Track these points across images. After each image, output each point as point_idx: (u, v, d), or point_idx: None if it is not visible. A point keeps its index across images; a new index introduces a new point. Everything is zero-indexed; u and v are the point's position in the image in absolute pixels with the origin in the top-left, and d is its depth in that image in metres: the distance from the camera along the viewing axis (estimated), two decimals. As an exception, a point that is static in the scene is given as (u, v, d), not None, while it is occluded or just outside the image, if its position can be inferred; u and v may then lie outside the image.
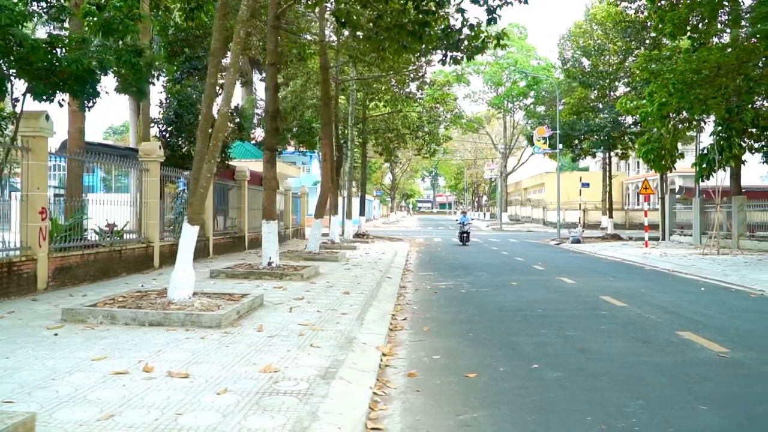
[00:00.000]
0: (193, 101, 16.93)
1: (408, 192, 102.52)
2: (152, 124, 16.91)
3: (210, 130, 8.10)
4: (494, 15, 14.08)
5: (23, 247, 8.96)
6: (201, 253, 15.99)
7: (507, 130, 57.56)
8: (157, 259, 13.12)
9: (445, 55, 15.23)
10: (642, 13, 28.19)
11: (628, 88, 32.27)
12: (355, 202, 31.42)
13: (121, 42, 9.23)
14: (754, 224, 22.85)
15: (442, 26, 14.40)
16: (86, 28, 8.90)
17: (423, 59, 21.63)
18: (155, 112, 16.94)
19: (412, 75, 23.31)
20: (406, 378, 5.49)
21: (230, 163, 19.20)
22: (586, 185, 34.10)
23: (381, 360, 6.03)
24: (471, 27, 14.27)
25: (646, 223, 24.60)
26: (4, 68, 8.44)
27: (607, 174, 35.87)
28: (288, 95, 24.00)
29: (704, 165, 22.01)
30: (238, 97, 31.15)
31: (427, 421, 4.36)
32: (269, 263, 12.42)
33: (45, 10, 8.69)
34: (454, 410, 4.57)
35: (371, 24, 14.30)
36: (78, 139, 12.07)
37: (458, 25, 14.26)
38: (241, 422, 3.92)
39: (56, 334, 6.35)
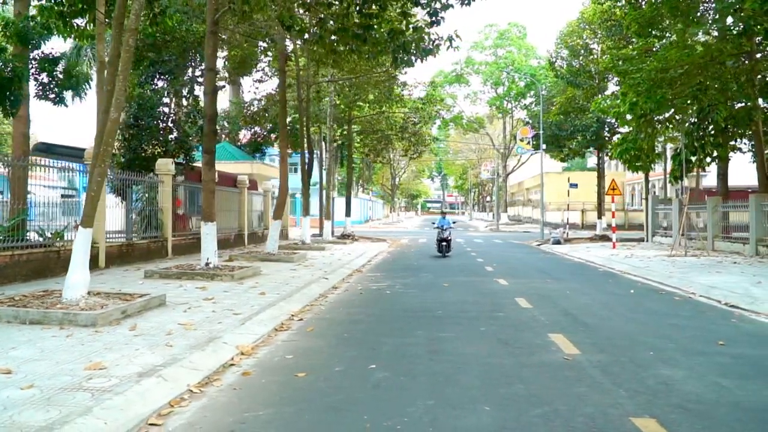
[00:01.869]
0: (153, 104, 17.31)
1: (414, 192, 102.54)
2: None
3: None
4: (436, 18, 14.33)
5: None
6: (159, 253, 16.37)
7: (506, 129, 57.45)
8: (102, 260, 13.47)
9: (395, 58, 15.31)
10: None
11: (618, 88, 32.11)
12: (355, 202, 31.72)
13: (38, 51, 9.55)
14: (734, 225, 22.61)
15: (388, 29, 14.56)
16: (2, 38, 9.22)
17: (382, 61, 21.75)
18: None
19: (384, 76, 23.44)
20: (239, 377, 5.70)
21: (195, 165, 19.53)
22: (574, 186, 34.04)
23: (232, 359, 6.25)
24: (415, 29, 14.48)
25: (613, 224, 24.54)
26: None
27: (601, 174, 35.69)
28: (263, 99, 24.33)
29: (676, 165, 21.92)
30: (224, 99, 31.58)
31: (211, 418, 4.56)
32: (207, 264, 12.70)
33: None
34: (245, 408, 4.78)
35: (316, 28, 14.57)
36: (22, 143, 12.44)
37: (403, 27, 14.50)
38: (14, 416, 4.16)
39: (-70, 332, 6.66)
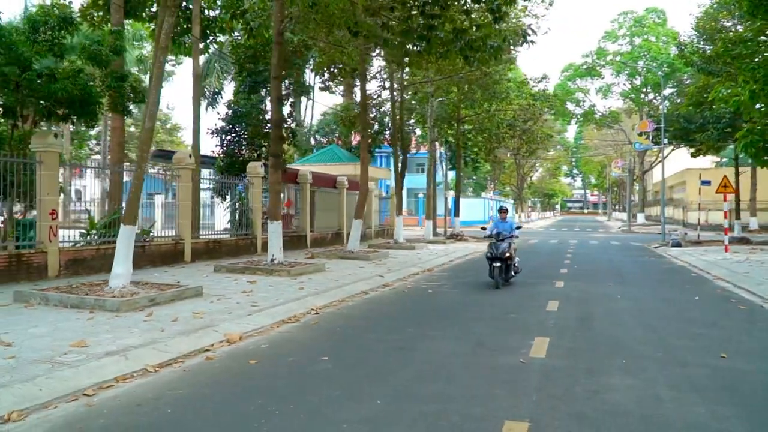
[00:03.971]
0: (247, 112, 18.72)
1: (549, 191, 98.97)
2: (214, 134, 19.01)
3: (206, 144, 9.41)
4: (499, 14, 14.07)
5: (38, 241, 11.02)
6: (248, 250, 17.67)
7: (643, 124, 53.61)
8: (188, 255, 14.90)
9: (466, 57, 15.25)
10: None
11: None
12: (473, 202, 31.83)
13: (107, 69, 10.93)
14: None
15: (452, 28, 14.56)
16: (78, 61, 10.67)
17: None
18: (213, 123, 18.96)
19: (479, 74, 23.13)
20: (201, 360, 6.24)
21: (289, 167, 20.76)
22: (706, 183, 31.03)
23: (212, 345, 6.82)
24: (478, 27, 14.34)
25: (725, 225, 22.12)
26: (17, 95, 10.50)
27: (738, 171, 32.29)
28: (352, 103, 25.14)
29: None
30: (330, 102, 32.95)
31: (139, 393, 5.13)
32: (272, 260, 13.60)
33: (48, 47, 10.58)
34: (174, 387, 5.28)
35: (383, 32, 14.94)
36: (118, 151, 14.16)
37: (466, 26, 14.42)
38: (-25, 379, 5.02)
39: (-9, 311, 8.01)
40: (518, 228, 12.66)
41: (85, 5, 16.05)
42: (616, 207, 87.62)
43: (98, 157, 42.66)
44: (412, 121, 31.86)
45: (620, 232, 45.16)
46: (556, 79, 57.59)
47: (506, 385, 5.24)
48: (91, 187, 14.90)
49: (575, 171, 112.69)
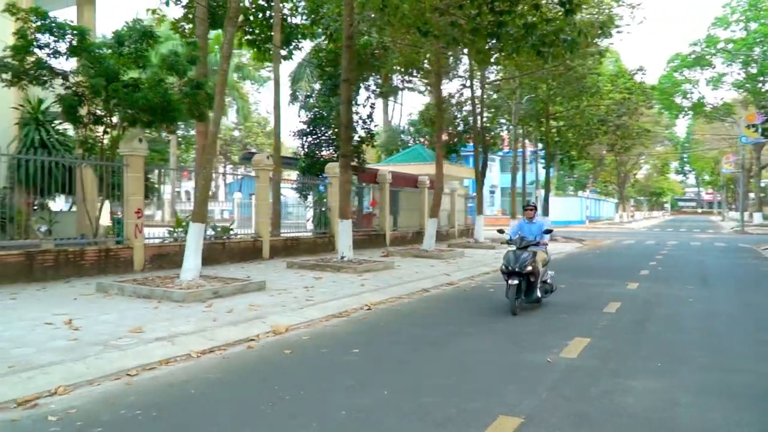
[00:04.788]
0: (326, 114, 19.34)
1: (656, 189, 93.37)
2: (296, 136, 19.80)
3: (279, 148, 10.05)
4: (570, 6, 13.69)
5: (125, 237, 12.07)
6: (325, 248, 18.25)
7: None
8: (266, 251, 15.64)
9: (539, 52, 14.97)
10: None
11: None
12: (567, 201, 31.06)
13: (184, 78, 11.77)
14: None
15: (522, 23, 14.34)
16: (157, 71, 11.58)
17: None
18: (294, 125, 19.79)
19: (561, 69, 22.41)
20: (243, 349, 6.66)
21: (367, 167, 21.18)
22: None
23: (257, 336, 7.23)
24: (548, 21, 14.02)
25: None
26: (106, 105, 11.58)
27: None
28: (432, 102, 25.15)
29: None
30: (418, 104, 33.08)
31: (176, 374, 5.59)
32: (342, 257, 14.01)
33: (133, 59, 11.57)
34: (210, 371, 5.70)
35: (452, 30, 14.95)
36: (203, 154, 15.13)
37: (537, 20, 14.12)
38: (34, 355, 5.67)
39: (75, 299, 8.91)
40: (548, 232, 9.41)
41: (176, 19, 17.34)
42: (732, 206, 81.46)
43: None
44: (502, 120, 31.45)
45: (732, 233, 42.06)
46: (662, 71, 54.47)
47: (519, 383, 5.20)
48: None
49: (687, 167, 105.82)
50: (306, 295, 9.79)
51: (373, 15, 17.07)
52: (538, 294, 9.18)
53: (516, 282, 8.66)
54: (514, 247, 9.01)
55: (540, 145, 34.89)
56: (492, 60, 17.91)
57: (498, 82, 25.65)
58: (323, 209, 18.51)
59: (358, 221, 23.18)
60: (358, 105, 20.46)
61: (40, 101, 13.41)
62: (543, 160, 35.20)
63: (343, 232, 14.18)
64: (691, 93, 52.30)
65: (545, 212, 31.47)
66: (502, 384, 5.18)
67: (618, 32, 18.83)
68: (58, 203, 16.66)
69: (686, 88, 52.82)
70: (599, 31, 15.43)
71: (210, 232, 14.70)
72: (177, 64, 11.45)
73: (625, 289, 11.59)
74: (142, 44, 11.22)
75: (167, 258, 12.91)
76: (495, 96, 28.50)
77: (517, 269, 8.65)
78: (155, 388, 5.16)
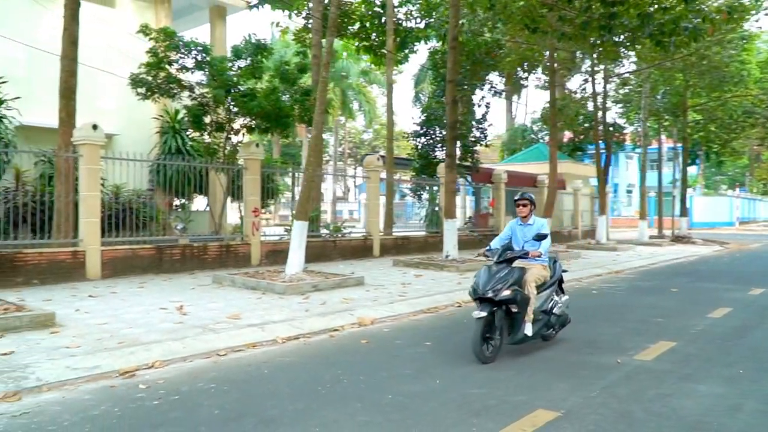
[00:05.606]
0: (440, 115, 19.59)
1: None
2: (410, 138, 20.26)
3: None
4: (687, -8, 12.89)
5: (241, 233, 13.20)
6: (435, 247, 18.50)
7: None
8: (377, 249, 16.23)
9: (658, 42, 14.27)
10: None
11: None
12: (709, 201, 28.91)
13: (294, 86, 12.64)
14: None
15: (636, 14, 13.71)
16: (268, 82, 12.54)
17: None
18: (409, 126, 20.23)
19: (693, 59, 20.74)
20: (325, 338, 7.15)
21: (481, 167, 21.12)
22: None
23: (342, 327, 7.70)
24: (664, 9, 13.24)
25: None
26: (227, 113, 12.75)
27: None
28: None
29: None
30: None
31: (259, 356, 6.19)
32: (446, 256, 14.22)
33: (250, 71, 12.63)
34: (286, 354, 6.24)
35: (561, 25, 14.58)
36: (317, 157, 16.04)
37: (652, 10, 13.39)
38: (143, 334, 6.54)
39: (193, 288, 9.97)
40: (541, 238, 6.21)
41: (297, 29, 18.57)
42: None
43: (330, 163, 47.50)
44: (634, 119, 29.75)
45: None
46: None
47: (574, 380, 5.16)
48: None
49: None
50: (400, 291, 10.15)
51: (482, 15, 17.11)
52: (528, 331, 6.03)
53: (482, 314, 5.68)
54: (492, 261, 6.14)
55: (672, 143, 32.46)
56: (606, 53, 17.09)
57: (626, 75, 24.35)
58: (435, 209, 18.79)
59: (475, 221, 23.20)
60: (473, 105, 20.48)
61: (177, 112, 14.99)
62: (690, 157, 32.82)
63: (448, 231, 14.37)
64: None
65: (682, 213, 29.38)
66: (555, 381, 5.16)
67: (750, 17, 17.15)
68: (195, 203, 18.47)
69: None
70: (728, 16, 14.23)
71: (324, 231, 15.57)
72: (288, 73, 12.30)
73: (745, 295, 10.68)
74: (257, 57, 12.21)
75: (282, 254, 13.83)
76: (624, 90, 27.09)
77: (488, 294, 5.74)
78: (236, 366, 5.76)
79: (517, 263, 6.16)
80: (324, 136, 46.41)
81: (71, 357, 5.60)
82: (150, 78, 11.64)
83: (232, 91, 12.27)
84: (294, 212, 11.16)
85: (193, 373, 5.48)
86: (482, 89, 20.76)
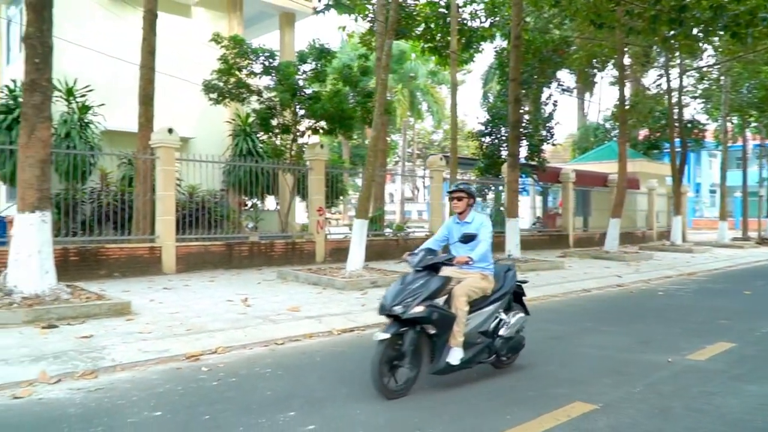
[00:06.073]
0: (505, 114, 19.50)
1: None
2: (475, 138, 20.27)
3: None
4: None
5: (308, 231, 13.67)
6: (498, 247, 18.39)
7: None
8: (439, 248, 16.35)
9: (734, 33, 13.74)
10: None
11: None
12: None
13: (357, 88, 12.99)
14: None
15: (709, 5, 13.23)
16: (332, 85, 12.95)
17: None
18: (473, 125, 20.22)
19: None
20: (375, 330, 7.39)
21: (553, 165, 20.82)
22: None
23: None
24: (738, 0, 12.69)
25: None
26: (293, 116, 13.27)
27: None
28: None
29: None
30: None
31: (314, 346, 6.52)
32: (508, 255, 14.19)
33: (315, 75, 13.09)
34: (337, 347, 6.54)
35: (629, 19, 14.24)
36: (377, 157, 16.37)
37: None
38: (210, 322, 7.01)
39: (259, 283, 10.48)
40: (469, 240, 5.14)
41: (362, 33, 18.98)
42: None
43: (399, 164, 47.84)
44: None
45: None
46: None
47: (618, 377, 5.17)
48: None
49: None
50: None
51: (548, 12, 16.93)
52: (452, 359, 4.78)
53: (385, 336, 4.52)
54: (411, 269, 5.02)
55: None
56: (682, 47, 16.49)
57: (704, 69, 23.32)
58: (500, 209, 18.72)
59: (543, 221, 22.89)
60: (541, 103, 20.25)
61: (248, 115, 15.70)
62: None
63: (510, 230, 14.33)
64: None
65: (767, 214, 27.79)
66: (599, 376, 5.19)
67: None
68: (266, 203, 19.22)
69: None
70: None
71: (387, 230, 15.87)
72: (351, 76, 12.67)
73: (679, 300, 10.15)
74: (321, 60, 12.65)
75: (345, 251, 14.15)
76: (703, 85, 25.94)
77: (395, 311, 4.56)
78: (291, 354, 6.11)
79: (446, 271, 4.99)
80: (393, 137, 46.95)
81: (143, 341, 6.11)
82: (221, 84, 12.29)
83: (298, 94, 12.75)
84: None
85: (252, 359, 5.86)
86: (549, 87, 20.47)
